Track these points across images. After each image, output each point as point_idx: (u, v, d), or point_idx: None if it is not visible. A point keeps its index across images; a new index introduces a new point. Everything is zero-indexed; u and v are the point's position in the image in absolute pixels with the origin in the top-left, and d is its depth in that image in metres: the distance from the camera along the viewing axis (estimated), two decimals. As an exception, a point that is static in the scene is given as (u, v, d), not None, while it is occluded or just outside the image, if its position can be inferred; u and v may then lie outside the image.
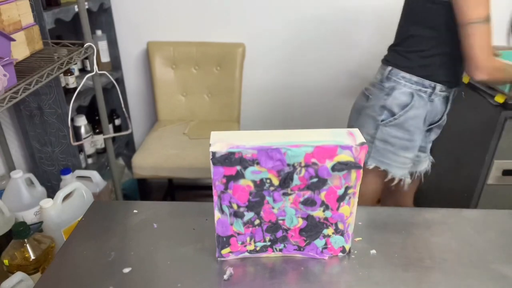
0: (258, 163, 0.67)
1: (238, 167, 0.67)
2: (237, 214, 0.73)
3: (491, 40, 1.07)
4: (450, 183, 1.96)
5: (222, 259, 0.78)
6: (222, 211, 0.72)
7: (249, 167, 0.68)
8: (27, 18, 1.21)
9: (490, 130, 1.58)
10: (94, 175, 1.60)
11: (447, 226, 0.89)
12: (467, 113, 1.79)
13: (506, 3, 1.90)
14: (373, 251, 0.81)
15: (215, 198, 0.71)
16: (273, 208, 0.72)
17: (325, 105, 2.20)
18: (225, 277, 0.74)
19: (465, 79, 1.76)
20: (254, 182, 0.69)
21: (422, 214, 0.93)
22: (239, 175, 0.68)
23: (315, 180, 0.69)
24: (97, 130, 1.96)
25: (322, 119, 2.25)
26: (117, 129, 2.13)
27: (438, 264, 0.78)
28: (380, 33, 2.01)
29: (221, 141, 0.67)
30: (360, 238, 0.84)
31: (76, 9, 1.53)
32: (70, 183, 1.33)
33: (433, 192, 2.16)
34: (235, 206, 0.72)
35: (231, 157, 0.66)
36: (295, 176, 0.69)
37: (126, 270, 0.75)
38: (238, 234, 0.75)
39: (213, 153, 0.66)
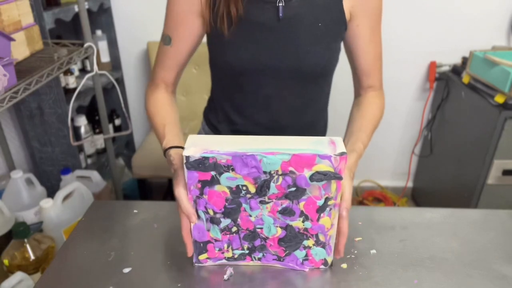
0: (233, 169, 0.66)
1: (213, 173, 0.66)
2: (213, 220, 0.71)
3: (164, 65, 0.89)
4: (450, 183, 1.96)
5: (200, 264, 0.77)
6: (198, 216, 0.71)
7: (224, 173, 0.66)
8: (27, 18, 1.21)
9: (490, 130, 1.59)
10: (94, 175, 1.61)
11: (447, 226, 0.89)
12: (467, 113, 1.79)
13: (506, 3, 1.90)
14: (373, 251, 0.81)
15: (191, 203, 0.70)
16: (250, 216, 0.71)
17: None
18: (225, 277, 0.74)
19: (465, 79, 1.76)
20: (230, 188, 0.68)
21: (422, 214, 0.93)
22: (214, 181, 0.67)
23: (293, 189, 0.67)
24: (97, 130, 1.96)
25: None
26: (117, 129, 2.13)
27: (438, 264, 0.78)
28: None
29: (196, 145, 0.65)
30: (360, 238, 0.84)
31: (76, 9, 1.53)
32: (70, 183, 1.33)
33: (433, 192, 2.16)
34: (211, 212, 0.71)
35: (205, 162, 0.65)
36: (272, 184, 0.67)
37: (126, 270, 0.75)
38: (216, 240, 0.74)
39: (187, 157, 0.65)
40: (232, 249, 0.75)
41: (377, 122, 0.89)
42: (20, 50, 1.18)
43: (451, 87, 1.92)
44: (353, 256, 0.79)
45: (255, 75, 0.86)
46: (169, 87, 0.92)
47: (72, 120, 1.74)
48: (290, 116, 0.92)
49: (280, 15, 0.80)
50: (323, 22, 0.82)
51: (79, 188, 1.34)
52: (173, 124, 0.83)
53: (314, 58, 0.84)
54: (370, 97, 0.92)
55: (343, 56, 0.92)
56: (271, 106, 0.90)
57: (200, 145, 0.66)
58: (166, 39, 0.87)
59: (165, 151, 0.76)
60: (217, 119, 0.99)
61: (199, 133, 1.08)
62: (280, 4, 0.80)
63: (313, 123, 0.98)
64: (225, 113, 0.96)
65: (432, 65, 2.01)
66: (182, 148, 0.74)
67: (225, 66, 0.87)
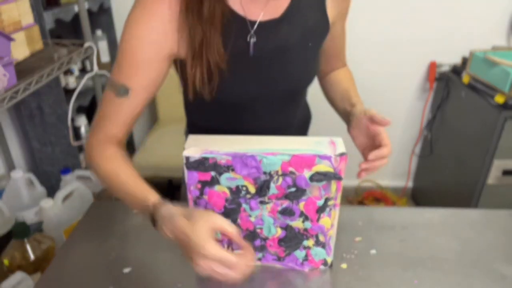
0: (233, 170, 0.66)
1: (213, 173, 0.66)
2: None
3: (116, 120, 0.73)
4: (450, 183, 1.96)
5: None
6: None
7: (224, 173, 0.66)
8: (27, 18, 1.21)
9: (490, 130, 1.58)
10: (94, 175, 1.60)
11: (447, 226, 0.89)
12: (467, 113, 1.79)
13: (506, 3, 1.90)
14: (373, 251, 0.81)
15: (191, 203, 0.70)
16: (250, 216, 0.71)
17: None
18: (225, 277, 0.74)
19: (465, 79, 1.76)
20: (229, 189, 0.68)
21: (422, 214, 0.93)
22: (214, 181, 0.67)
23: (293, 189, 0.67)
24: (97, 130, 1.96)
25: (325, 124, 2.24)
26: (117, 129, 2.13)
27: (438, 264, 0.78)
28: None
29: (196, 145, 0.66)
30: (360, 238, 0.84)
31: (76, 9, 1.53)
32: (70, 183, 1.33)
33: (433, 192, 2.16)
34: None
35: (205, 163, 0.65)
36: (272, 185, 0.67)
37: (126, 270, 0.75)
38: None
39: (187, 158, 0.65)
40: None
41: (355, 84, 0.91)
42: (20, 50, 1.18)
43: (451, 87, 1.92)
44: (353, 256, 0.79)
45: (241, 107, 0.79)
46: (120, 142, 0.76)
47: (72, 120, 1.74)
48: (276, 129, 0.84)
49: (251, 52, 0.72)
50: (313, 40, 0.78)
51: (79, 188, 1.34)
52: (141, 182, 0.71)
53: (307, 77, 0.81)
54: (339, 69, 0.94)
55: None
56: (257, 123, 0.83)
57: (200, 145, 0.66)
58: (120, 90, 0.71)
59: (155, 209, 0.63)
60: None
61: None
62: (252, 40, 0.71)
63: (298, 123, 0.93)
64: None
65: (432, 65, 2.01)
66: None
67: (205, 102, 0.76)
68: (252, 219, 0.71)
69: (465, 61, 1.91)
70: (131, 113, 0.75)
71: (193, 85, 0.71)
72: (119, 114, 0.73)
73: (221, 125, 0.81)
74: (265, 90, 0.78)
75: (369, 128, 0.71)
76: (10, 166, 1.53)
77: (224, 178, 0.67)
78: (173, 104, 2.16)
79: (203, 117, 0.86)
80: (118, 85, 0.71)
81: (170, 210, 0.61)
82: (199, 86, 0.70)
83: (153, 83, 0.73)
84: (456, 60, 1.99)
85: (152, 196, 0.65)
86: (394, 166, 2.35)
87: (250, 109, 0.80)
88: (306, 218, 0.70)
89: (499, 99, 1.54)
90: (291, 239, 0.73)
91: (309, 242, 0.73)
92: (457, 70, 1.91)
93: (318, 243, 0.73)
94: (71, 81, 1.71)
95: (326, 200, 0.68)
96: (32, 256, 1.03)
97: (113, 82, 0.71)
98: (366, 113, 0.71)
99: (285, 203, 0.69)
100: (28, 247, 1.03)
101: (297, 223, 0.71)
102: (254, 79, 0.75)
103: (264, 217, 0.71)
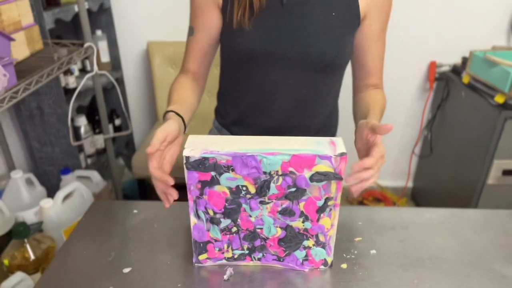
0: (233, 170, 0.66)
1: (213, 173, 0.66)
2: (213, 221, 0.71)
3: (189, 55, 0.93)
4: (450, 183, 1.96)
5: (199, 264, 0.77)
6: (198, 216, 0.71)
7: (224, 174, 0.66)
8: (27, 18, 1.21)
9: (490, 130, 1.58)
10: (94, 175, 1.61)
11: (447, 226, 0.89)
12: (467, 113, 1.79)
13: (506, 3, 1.90)
14: (373, 251, 0.81)
15: (191, 203, 0.70)
16: (250, 216, 0.71)
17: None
18: (225, 277, 0.74)
19: (465, 79, 1.76)
20: (229, 189, 0.68)
21: (422, 214, 0.93)
22: (214, 181, 0.67)
23: (293, 189, 0.67)
24: (97, 130, 1.96)
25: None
26: (117, 129, 2.13)
27: (438, 264, 0.78)
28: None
29: (196, 146, 0.66)
30: (360, 238, 0.84)
31: (76, 9, 1.53)
32: (70, 183, 1.33)
33: (433, 192, 2.16)
34: (211, 212, 0.71)
35: (205, 163, 0.65)
36: (272, 185, 0.67)
37: (126, 270, 0.75)
38: (215, 240, 0.74)
39: (187, 158, 0.65)
40: (232, 249, 0.75)
41: (383, 110, 0.88)
42: (20, 50, 1.18)
43: (451, 87, 1.92)
44: (353, 256, 0.79)
45: (263, 62, 0.86)
46: (195, 75, 0.94)
47: (72, 120, 1.74)
48: (296, 107, 0.91)
49: (284, 0, 0.81)
50: (337, 12, 0.83)
51: (79, 188, 1.34)
52: (182, 100, 0.86)
53: (324, 47, 0.83)
54: (373, 91, 0.91)
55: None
56: (278, 94, 0.89)
57: (200, 145, 0.66)
58: (190, 30, 0.91)
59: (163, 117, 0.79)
60: (226, 110, 1.00)
61: (211, 130, 1.08)
62: None
63: (319, 120, 0.95)
64: (233, 103, 0.97)
65: (432, 65, 2.01)
66: (177, 114, 0.76)
67: (234, 53, 0.88)
68: (252, 219, 0.71)
69: (465, 61, 1.91)
70: (197, 49, 0.92)
71: (231, 14, 0.84)
72: (190, 50, 0.93)
73: (247, 89, 0.91)
74: (288, 48, 0.83)
75: (368, 138, 0.69)
76: (10, 166, 1.53)
77: (224, 178, 0.67)
78: (173, 104, 2.17)
79: (231, 80, 0.96)
80: (189, 26, 0.91)
81: (164, 120, 0.74)
82: (240, 15, 0.83)
83: (209, 26, 0.89)
84: (456, 60, 1.99)
85: (169, 107, 0.79)
86: (394, 166, 2.35)
87: (267, 68, 0.86)
88: (306, 218, 0.70)
89: (499, 99, 1.54)
90: (291, 239, 0.73)
91: (309, 242, 0.73)
92: (457, 70, 1.91)
93: (318, 243, 0.73)
94: (71, 81, 1.71)
95: (326, 200, 0.68)
96: (32, 256, 1.04)
97: (189, 26, 0.92)
98: (368, 124, 0.70)
99: (285, 203, 0.69)
100: (28, 247, 1.04)
101: (297, 223, 0.71)
102: (282, 32, 0.83)
103: (264, 217, 0.71)
